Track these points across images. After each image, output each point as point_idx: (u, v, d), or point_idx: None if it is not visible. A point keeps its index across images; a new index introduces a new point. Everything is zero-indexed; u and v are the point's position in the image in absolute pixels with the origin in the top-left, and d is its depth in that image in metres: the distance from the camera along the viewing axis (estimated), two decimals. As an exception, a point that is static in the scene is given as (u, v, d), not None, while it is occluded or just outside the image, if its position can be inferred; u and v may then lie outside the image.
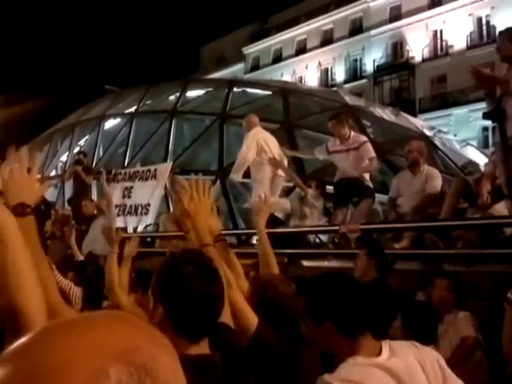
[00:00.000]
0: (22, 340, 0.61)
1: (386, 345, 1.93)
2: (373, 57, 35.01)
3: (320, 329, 1.92)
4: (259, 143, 7.38)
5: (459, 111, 28.94)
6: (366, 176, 6.61)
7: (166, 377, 0.58)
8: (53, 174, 15.51)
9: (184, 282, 1.68)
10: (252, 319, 2.30)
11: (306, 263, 5.97)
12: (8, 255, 1.18)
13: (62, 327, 0.61)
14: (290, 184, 8.07)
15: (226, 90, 13.26)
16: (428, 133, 12.19)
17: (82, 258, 6.77)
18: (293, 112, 11.72)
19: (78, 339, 0.58)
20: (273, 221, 7.19)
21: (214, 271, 1.78)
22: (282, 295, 2.57)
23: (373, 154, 6.52)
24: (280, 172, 7.30)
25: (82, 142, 15.48)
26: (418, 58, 32.98)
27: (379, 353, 1.89)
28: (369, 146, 6.53)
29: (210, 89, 14.89)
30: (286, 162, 7.44)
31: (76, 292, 4.06)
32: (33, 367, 0.55)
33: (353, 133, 6.75)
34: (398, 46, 34.31)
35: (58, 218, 9.34)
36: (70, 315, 1.51)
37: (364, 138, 6.68)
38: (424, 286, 4.13)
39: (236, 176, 7.62)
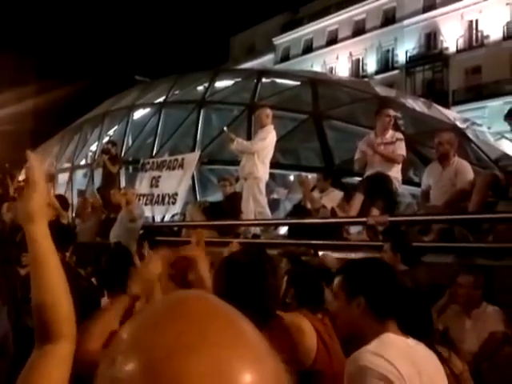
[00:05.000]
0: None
1: (408, 336, 1.96)
2: (405, 47, 34.41)
3: (351, 304, 1.94)
4: (272, 144, 7.42)
5: (494, 103, 28.19)
6: (396, 174, 6.53)
7: None
8: (83, 163, 15.74)
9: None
10: None
11: (332, 255, 5.90)
12: (40, 257, 1.26)
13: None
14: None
15: (255, 81, 13.18)
16: (461, 125, 11.91)
17: None
18: (322, 102, 11.58)
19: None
20: (300, 210, 7.18)
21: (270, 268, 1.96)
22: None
23: (403, 152, 6.54)
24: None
25: (111, 132, 15.63)
26: (452, 49, 32.29)
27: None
28: (403, 144, 6.57)
29: (239, 79, 14.82)
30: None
31: None
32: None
33: (391, 130, 6.73)
34: (431, 37, 33.65)
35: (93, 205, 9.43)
36: None
37: (401, 136, 6.69)
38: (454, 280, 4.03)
39: (235, 150, 7.85)
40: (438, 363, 1.94)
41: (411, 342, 1.91)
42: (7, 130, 30.46)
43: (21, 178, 11.55)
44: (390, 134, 6.64)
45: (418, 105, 13.19)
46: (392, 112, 6.82)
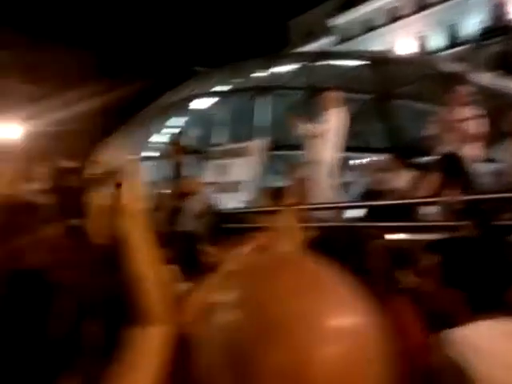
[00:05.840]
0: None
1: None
2: (472, 21, 32.87)
3: (446, 291, 1.70)
4: (338, 127, 7.27)
5: None
6: (473, 152, 6.26)
7: None
8: (148, 155, 16.05)
9: None
10: None
11: (406, 236, 5.72)
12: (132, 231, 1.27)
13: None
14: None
15: (314, 64, 12.99)
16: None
17: None
18: (386, 82, 11.25)
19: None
20: (370, 193, 7.00)
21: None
22: None
23: (482, 129, 6.27)
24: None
25: (173, 123, 15.86)
26: (521, 19, 30.62)
27: None
28: (481, 121, 6.43)
29: (298, 63, 14.65)
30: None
31: None
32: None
33: (465, 107, 6.49)
34: (499, 8, 31.97)
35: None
36: None
37: (477, 112, 6.50)
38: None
39: (298, 135, 7.81)
40: None
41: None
42: (72, 129, 31.62)
43: (90, 171, 11.91)
44: (465, 110, 6.36)
45: (489, 79, 12.59)
46: (466, 88, 6.53)
